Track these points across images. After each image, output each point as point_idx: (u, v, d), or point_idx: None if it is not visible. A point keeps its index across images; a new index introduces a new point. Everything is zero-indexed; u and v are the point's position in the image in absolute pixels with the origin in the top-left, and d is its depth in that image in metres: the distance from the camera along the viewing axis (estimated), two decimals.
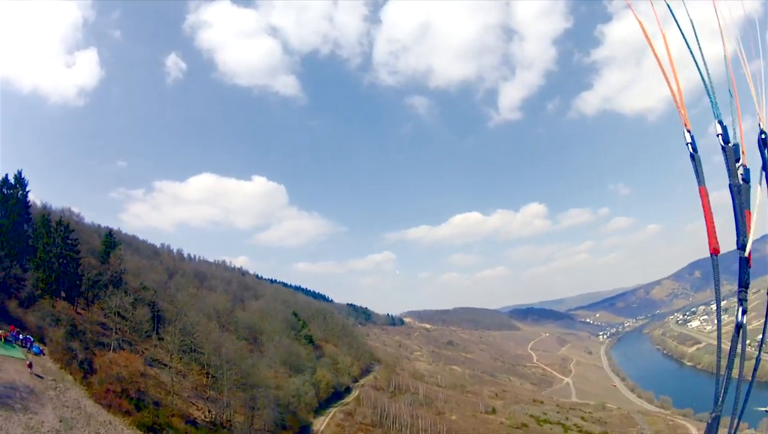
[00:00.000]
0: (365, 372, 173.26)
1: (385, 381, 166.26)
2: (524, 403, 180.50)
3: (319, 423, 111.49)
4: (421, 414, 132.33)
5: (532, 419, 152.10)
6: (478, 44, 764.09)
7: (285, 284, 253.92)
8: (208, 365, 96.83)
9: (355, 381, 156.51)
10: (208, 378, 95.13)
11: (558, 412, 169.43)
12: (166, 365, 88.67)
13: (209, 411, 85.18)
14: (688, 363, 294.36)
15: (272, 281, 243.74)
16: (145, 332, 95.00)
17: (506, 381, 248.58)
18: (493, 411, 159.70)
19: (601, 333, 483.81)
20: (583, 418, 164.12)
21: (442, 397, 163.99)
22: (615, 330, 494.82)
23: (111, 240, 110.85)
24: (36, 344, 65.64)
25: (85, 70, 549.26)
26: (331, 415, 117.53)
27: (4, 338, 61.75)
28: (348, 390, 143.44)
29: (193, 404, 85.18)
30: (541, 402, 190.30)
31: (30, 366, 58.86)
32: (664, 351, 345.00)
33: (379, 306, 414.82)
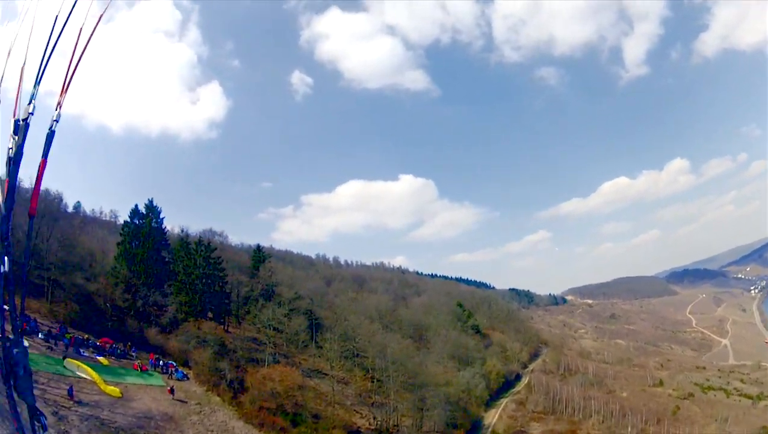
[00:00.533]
0: (534, 356, 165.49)
1: (554, 363, 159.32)
2: (688, 371, 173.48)
3: (491, 417, 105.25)
4: (593, 394, 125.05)
5: (697, 387, 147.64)
6: (592, 2, 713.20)
7: (445, 277, 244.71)
8: (372, 369, 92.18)
9: (525, 366, 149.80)
10: (372, 382, 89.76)
11: (720, 377, 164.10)
12: (326, 374, 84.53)
13: (374, 418, 79.53)
14: None
15: (432, 276, 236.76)
16: (303, 342, 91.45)
17: (668, 350, 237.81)
18: (660, 383, 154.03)
19: (752, 288, 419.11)
20: (742, 380, 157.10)
21: (611, 374, 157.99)
22: (765, 282, 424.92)
23: (260, 254, 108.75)
24: (180, 369, 62.54)
25: (211, 103, 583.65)
26: (502, 406, 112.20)
27: (142, 367, 58.72)
28: (518, 378, 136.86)
29: (357, 412, 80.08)
30: (704, 368, 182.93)
31: (171, 391, 55.14)
32: None
33: (540, 287, 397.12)
